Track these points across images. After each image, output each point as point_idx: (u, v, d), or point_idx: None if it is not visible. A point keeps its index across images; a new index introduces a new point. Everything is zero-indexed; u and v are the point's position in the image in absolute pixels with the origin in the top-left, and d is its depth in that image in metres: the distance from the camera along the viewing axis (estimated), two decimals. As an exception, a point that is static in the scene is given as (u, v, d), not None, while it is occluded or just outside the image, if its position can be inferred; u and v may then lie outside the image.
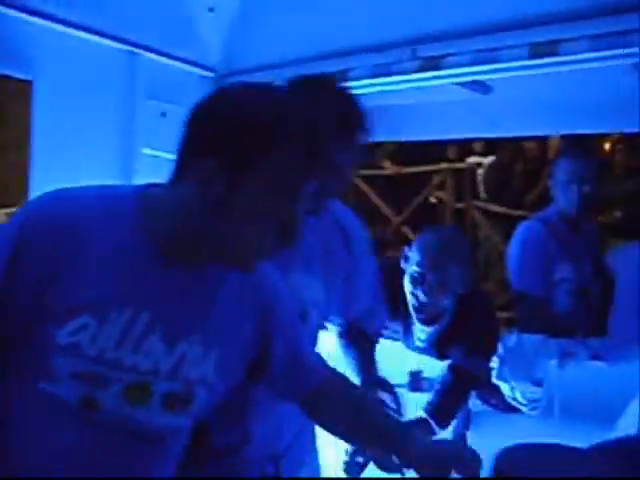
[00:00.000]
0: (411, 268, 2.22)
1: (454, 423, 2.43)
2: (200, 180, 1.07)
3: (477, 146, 6.95)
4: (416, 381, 2.60)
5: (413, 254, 2.23)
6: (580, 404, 2.16)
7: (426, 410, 2.22)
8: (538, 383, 2.23)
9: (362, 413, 1.39)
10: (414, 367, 2.62)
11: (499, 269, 5.70)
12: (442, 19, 2.51)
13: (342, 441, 1.53)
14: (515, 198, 6.19)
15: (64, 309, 1.06)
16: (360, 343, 2.03)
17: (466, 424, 2.44)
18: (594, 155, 2.95)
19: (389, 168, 7.16)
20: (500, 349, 2.35)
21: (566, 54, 2.29)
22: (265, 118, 1.07)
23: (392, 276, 2.24)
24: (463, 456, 1.28)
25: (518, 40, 2.37)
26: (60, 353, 1.07)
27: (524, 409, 2.30)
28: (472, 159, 6.97)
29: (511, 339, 2.33)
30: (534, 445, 0.99)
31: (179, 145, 1.13)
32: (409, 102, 3.55)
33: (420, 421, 2.15)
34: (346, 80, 2.79)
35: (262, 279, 1.27)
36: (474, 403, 2.45)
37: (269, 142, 1.06)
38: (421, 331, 2.39)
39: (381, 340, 2.77)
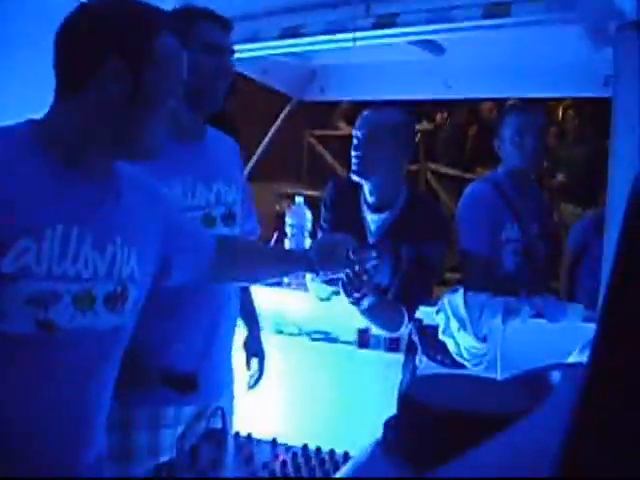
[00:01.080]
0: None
1: (401, 380, 2.49)
2: (70, 87, 1.21)
3: (428, 108, 6.96)
4: (364, 338, 2.63)
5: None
6: (521, 360, 2.20)
7: (393, 296, 2.39)
8: (483, 339, 2.28)
9: (263, 250, 1.76)
10: (362, 325, 2.65)
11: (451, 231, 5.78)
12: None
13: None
14: (468, 161, 6.25)
15: (2, 242, 1.13)
16: None
17: (412, 379, 2.49)
18: (540, 110, 2.95)
19: (344, 129, 7.14)
20: (447, 306, 2.39)
21: (519, 15, 2.30)
22: (123, 21, 1.22)
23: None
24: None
25: (472, 0, 2.38)
26: (10, 281, 1.13)
27: (468, 365, 2.35)
28: (423, 124, 6.98)
29: (457, 297, 2.37)
30: (442, 375, 1.03)
31: (56, 65, 1.24)
32: (364, 61, 3.53)
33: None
34: (299, 36, 2.77)
35: (157, 187, 1.48)
36: (420, 359, 2.49)
37: (149, 34, 1.22)
38: (372, 222, 2.53)
39: (331, 297, 2.81)
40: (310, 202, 3.03)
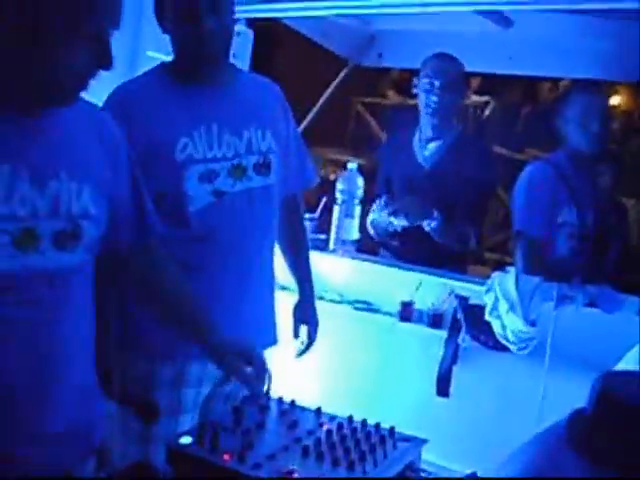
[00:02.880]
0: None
1: (442, 356, 2.45)
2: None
3: (474, 83, 6.78)
4: (407, 311, 2.59)
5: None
6: (572, 349, 2.16)
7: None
8: (532, 324, 2.22)
9: (180, 289, 1.52)
10: (406, 297, 2.61)
11: (493, 210, 5.68)
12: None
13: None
14: (520, 141, 6.11)
15: None
16: None
17: (454, 358, 2.45)
18: (605, 93, 2.89)
19: (393, 97, 7.04)
20: (497, 286, 2.34)
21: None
22: None
23: None
24: (253, 356, 1.46)
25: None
26: None
27: (513, 348, 2.29)
28: (473, 96, 6.83)
29: (509, 277, 2.31)
30: (632, 372, 0.98)
31: None
32: (425, 28, 3.43)
33: None
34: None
35: (107, 121, 1.38)
36: (463, 338, 2.45)
37: None
38: (425, 149, 2.88)
39: (374, 265, 2.78)
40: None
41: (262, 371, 1.50)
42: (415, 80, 2.92)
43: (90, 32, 1.12)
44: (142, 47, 2.84)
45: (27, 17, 1.08)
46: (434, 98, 2.79)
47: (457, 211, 2.76)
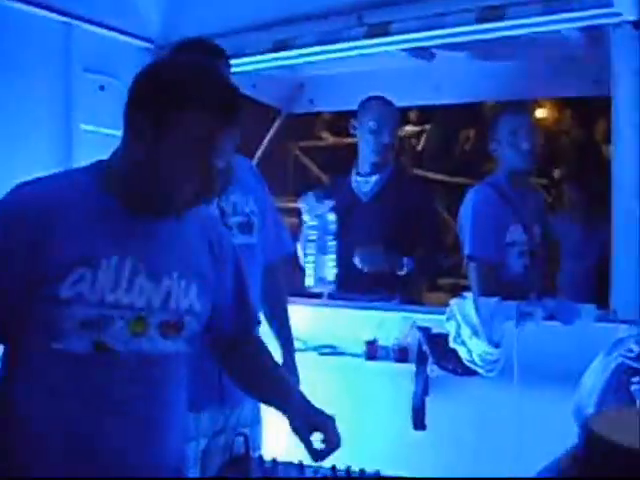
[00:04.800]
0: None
1: (414, 391, 2.46)
2: (131, 135, 1.30)
3: (412, 115, 6.94)
4: (372, 350, 2.60)
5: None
6: (539, 364, 2.19)
7: None
8: (496, 345, 2.26)
9: (272, 374, 1.61)
10: (369, 336, 2.62)
11: (443, 235, 5.76)
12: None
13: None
14: (456, 165, 6.23)
15: (59, 268, 1.25)
16: None
17: (425, 390, 2.47)
18: (529, 112, 3.03)
19: (328, 139, 7.13)
20: (457, 313, 2.37)
21: (513, 18, 2.29)
22: (181, 81, 1.29)
23: None
24: (328, 426, 1.48)
25: (465, 5, 2.36)
26: (65, 305, 1.24)
27: (482, 371, 2.32)
28: (408, 128, 6.98)
29: (467, 303, 2.34)
30: (623, 410, 0.99)
31: (124, 112, 1.33)
32: (352, 70, 3.51)
33: None
34: (290, 48, 2.75)
35: (216, 224, 1.58)
36: (431, 369, 2.46)
37: (184, 102, 1.26)
38: (365, 183, 3.03)
39: (334, 309, 2.80)
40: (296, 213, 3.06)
41: (331, 443, 1.48)
42: (353, 121, 3.06)
43: (203, 164, 1.28)
44: (75, 119, 2.82)
45: (154, 144, 1.27)
46: (371, 137, 2.97)
47: (400, 240, 2.87)
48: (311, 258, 2.86)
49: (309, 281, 2.86)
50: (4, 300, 1.28)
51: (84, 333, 1.26)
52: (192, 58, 1.50)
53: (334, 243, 2.84)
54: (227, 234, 1.62)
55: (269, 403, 1.62)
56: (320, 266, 2.85)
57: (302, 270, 2.92)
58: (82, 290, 1.26)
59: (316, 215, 2.85)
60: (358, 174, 3.06)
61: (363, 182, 3.04)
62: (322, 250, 2.84)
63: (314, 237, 2.85)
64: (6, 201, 1.32)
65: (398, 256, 2.83)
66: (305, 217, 2.87)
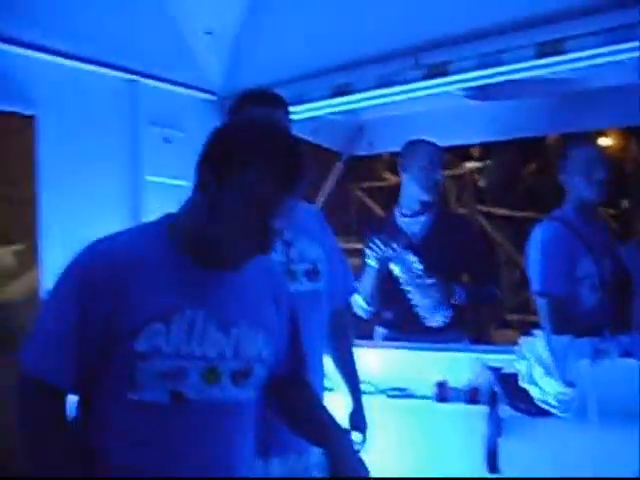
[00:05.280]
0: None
1: (488, 433, 2.40)
2: (198, 190, 1.36)
3: (473, 151, 6.92)
4: (443, 391, 2.56)
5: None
6: (615, 403, 2.12)
7: None
8: (570, 384, 2.19)
9: (321, 416, 1.61)
10: (439, 378, 2.59)
11: (508, 272, 5.68)
12: (444, 25, 2.49)
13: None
14: (519, 199, 6.16)
15: (135, 324, 1.30)
16: None
17: (498, 431, 2.41)
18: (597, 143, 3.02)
19: (390, 179, 7.15)
20: (527, 352, 2.32)
21: (574, 51, 2.27)
22: (246, 143, 1.34)
23: None
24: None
25: (523, 40, 2.35)
26: (142, 359, 1.30)
27: (556, 412, 2.26)
28: (470, 164, 6.95)
29: (538, 341, 2.29)
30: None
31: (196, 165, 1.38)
32: (410, 111, 3.54)
33: None
34: (349, 93, 2.78)
35: (276, 274, 1.62)
36: (503, 410, 2.41)
37: (248, 164, 1.31)
38: (414, 223, 3.06)
39: (402, 351, 2.79)
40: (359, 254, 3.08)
41: None
42: (399, 160, 3.15)
43: (261, 224, 1.33)
44: (141, 171, 2.91)
45: (217, 201, 1.33)
46: (422, 175, 3.02)
47: (452, 275, 2.96)
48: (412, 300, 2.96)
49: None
50: (85, 358, 1.33)
51: (160, 384, 1.31)
52: (258, 120, 1.56)
53: (426, 280, 2.92)
54: (284, 281, 1.66)
55: (314, 444, 1.63)
56: (423, 307, 2.94)
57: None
58: (157, 343, 1.31)
59: (396, 260, 2.94)
60: (403, 214, 3.10)
61: (411, 222, 3.07)
62: (421, 291, 2.93)
63: (404, 280, 2.95)
64: (83, 262, 1.37)
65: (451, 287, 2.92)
66: (372, 262, 2.94)
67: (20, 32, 2.46)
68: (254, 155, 1.32)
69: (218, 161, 1.34)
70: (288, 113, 2.06)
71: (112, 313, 1.30)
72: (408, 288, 2.95)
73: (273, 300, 1.52)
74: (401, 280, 2.96)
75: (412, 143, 3.10)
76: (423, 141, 3.08)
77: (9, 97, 2.47)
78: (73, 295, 1.33)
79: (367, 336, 3.00)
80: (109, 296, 1.31)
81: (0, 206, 2.51)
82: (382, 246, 2.89)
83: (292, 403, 1.63)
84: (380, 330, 3.09)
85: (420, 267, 2.93)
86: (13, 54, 2.48)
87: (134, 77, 2.86)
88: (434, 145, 3.07)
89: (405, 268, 2.95)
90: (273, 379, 1.57)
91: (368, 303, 3.00)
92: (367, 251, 2.93)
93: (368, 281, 2.97)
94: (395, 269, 2.96)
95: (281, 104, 2.01)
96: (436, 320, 2.94)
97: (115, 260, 1.34)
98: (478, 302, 3.01)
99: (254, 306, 1.47)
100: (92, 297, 1.32)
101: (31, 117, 2.52)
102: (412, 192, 3.07)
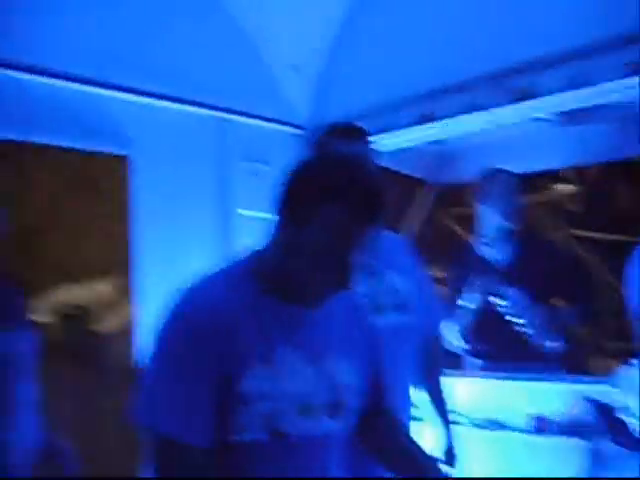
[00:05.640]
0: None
1: (588, 467, 2.32)
2: (280, 223, 1.37)
3: (564, 174, 6.74)
4: (540, 423, 2.50)
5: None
6: None
7: None
8: (674, 416, 2.10)
9: (404, 448, 1.62)
10: (533, 409, 2.52)
11: (605, 297, 5.48)
12: (528, 47, 2.46)
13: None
14: (613, 222, 5.95)
15: (235, 369, 1.33)
16: None
17: (600, 466, 2.32)
18: None
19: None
20: (625, 383, 2.23)
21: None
22: (322, 175, 1.35)
23: None
24: None
25: (612, 59, 2.29)
26: (245, 402, 1.33)
27: (657, 445, 2.16)
28: (560, 187, 6.77)
29: (635, 371, 2.20)
30: None
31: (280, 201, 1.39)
32: (496, 137, 3.49)
33: None
34: (436, 120, 2.78)
35: (361, 306, 1.61)
36: (603, 443, 2.32)
37: (328, 199, 1.31)
38: (497, 250, 3.04)
39: (495, 381, 2.74)
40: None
41: None
42: (476, 191, 3.18)
43: (341, 259, 1.33)
44: (232, 205, 2.98)
45: (298, 235, 1.34)
46: (502, 203, 3.03)
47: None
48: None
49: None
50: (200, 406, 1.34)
51: (263, 423, 1.34)
52: (336, 154, 1.60)
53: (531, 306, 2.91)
54: (368, 313, 1.66)
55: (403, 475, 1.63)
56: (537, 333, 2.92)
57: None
58: (258, 386, 1.34)
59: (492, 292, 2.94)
60: (485, 244, 3.10)
61: (495, 251, 3.07)
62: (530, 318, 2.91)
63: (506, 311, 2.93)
64: (187, 315, 1.36)
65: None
66: (467, 301, 2.96)
67: (113, 76, 2.58)
68: (331, 190, 1.33)
69: (299, 196, 1.36)
70: (370, 144, 2.08)
71: (216, 365, 1.32)
72: (514, 318, 2.92)
73: (359, 332, 1.54)
74: (502, 311, 2.93)
75: (488, 171, 3.12)
76: (498, 169, 3.10)
77: (105, 137, 2.59)
78: (189, 351, 1.34)
79: (456, 366, 2.95)
80: (215, 347, 1.33)
81: (99, 241, 2.63)
82: (475, 283, 2.91)
83: (379, 434, 1.64)
84: (474, 361, 3.05)
85: (516, 295, 2.89)
86: (108, 97, 2.60)
87: (224, 115, 2.95)
88: (509, 172, 3.10)
89: (504, 299, 2.92)
90: (361, 410, 1.57)
91: (466, 340, 3.00)
92: (460, 290, 2.96)
93: (464, 319, 2.97)
94: (493, 301, 2.93)
95: (363, 136, 2.03)
96: (551, 345, 2.89)
97: (214, 310, 1.36)
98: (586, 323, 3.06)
99: (340, 339, 1.48)
100: (204, 350, 1.33)
101: (124, 157, 2.64)
102: (492, 221, 3.05)
